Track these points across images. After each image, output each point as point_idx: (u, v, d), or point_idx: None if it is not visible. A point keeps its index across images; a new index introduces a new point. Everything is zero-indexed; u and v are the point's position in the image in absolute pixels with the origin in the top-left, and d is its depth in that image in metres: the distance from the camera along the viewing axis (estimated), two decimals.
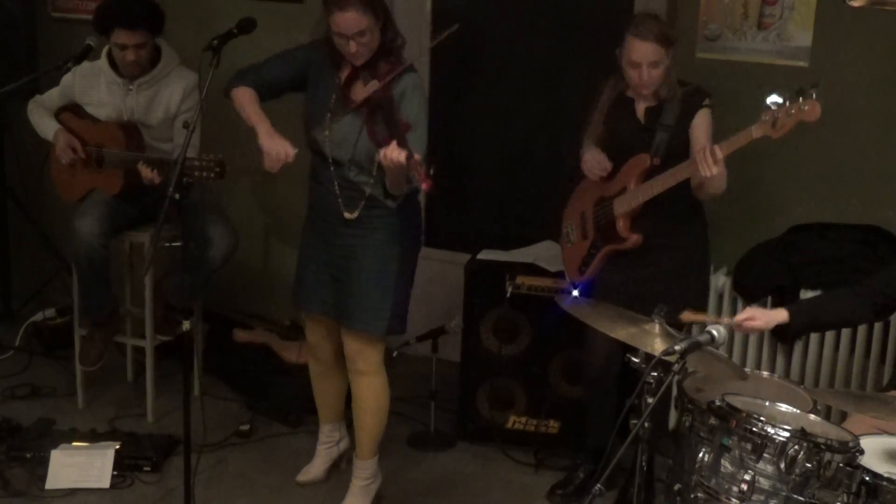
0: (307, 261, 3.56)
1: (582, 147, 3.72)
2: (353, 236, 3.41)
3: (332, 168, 3.36)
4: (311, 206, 3.55)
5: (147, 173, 3.84)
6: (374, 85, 3.25)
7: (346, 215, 3.37)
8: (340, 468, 3.91)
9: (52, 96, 4.21)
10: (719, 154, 3.19)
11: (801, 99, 3.02)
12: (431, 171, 2.99)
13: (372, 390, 3.55)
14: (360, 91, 3.30)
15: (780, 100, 3.06)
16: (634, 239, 3.55)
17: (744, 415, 2.60)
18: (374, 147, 3.23)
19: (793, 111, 3.03)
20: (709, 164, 3.19)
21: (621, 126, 3.58)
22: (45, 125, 4.17)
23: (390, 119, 3.22)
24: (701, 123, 3.46)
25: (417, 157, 3.03)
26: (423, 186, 3.00)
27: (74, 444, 3.90)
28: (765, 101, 3.08)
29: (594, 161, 3.63)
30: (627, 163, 3.55)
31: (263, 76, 3.42)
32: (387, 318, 3.44)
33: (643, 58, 3.40)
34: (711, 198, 3.46)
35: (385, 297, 3.42)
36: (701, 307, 3.71)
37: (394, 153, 3.03)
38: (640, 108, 3.55)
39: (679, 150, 3.45)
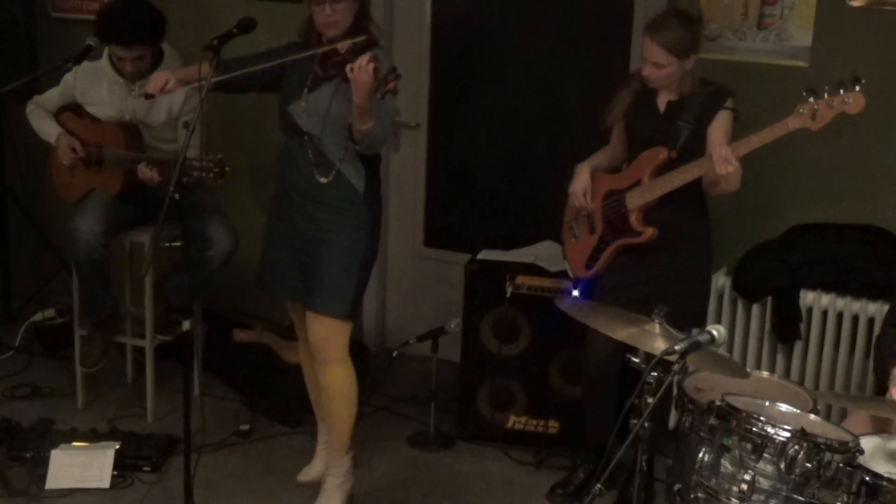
0: (272, 247, 3.59)
1: (578, 165, 3.73)
2: (320, 218, 3.44)
3: (305, 138, 3.42)
4: (276, 193, 3.58)
5: (146, 172, 3.84)
6: (346, 44, 3.32)
7: (321, 179, 3.40)
8: None
9: (52, 96, 4.21)
10: (729, 154, 3.21)
11: (842, 91, 3.00)
12: (395, 75, 3.09)
13: (339, 379, 3.55)
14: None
15: (818, 91, 3.04)
16: (650, 232, 3.51)
17: (744, 415, 2.60)
18: (348, 113, 3.28)
19: (834, 103, 3.01)
20: (727, 161, 3.21)
21: (641, 117, 3.56)
22: (46, 128, 4.17)
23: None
24: (719, 126, 3.43)
25: (384, 70, 3.11)
26: (390, 87, 3.08)
27: (74, 444, 3.90)
28: (803, 93, 3.07)
29: (580, 191, 3.67)
30: (641, 155, 3.53)
31: (240, 64, 3.44)
32: (349, 301, 3.47)
33: (648, 56, 3.42)
34: (722, 194, 3.45)
35: (349, 280, 3.46)
36: (702, 311, 3.71)
37: (363, 62, 3.11)
38: (662, 100, 3.54)
39: (697, 146, 3.43)
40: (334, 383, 3.56)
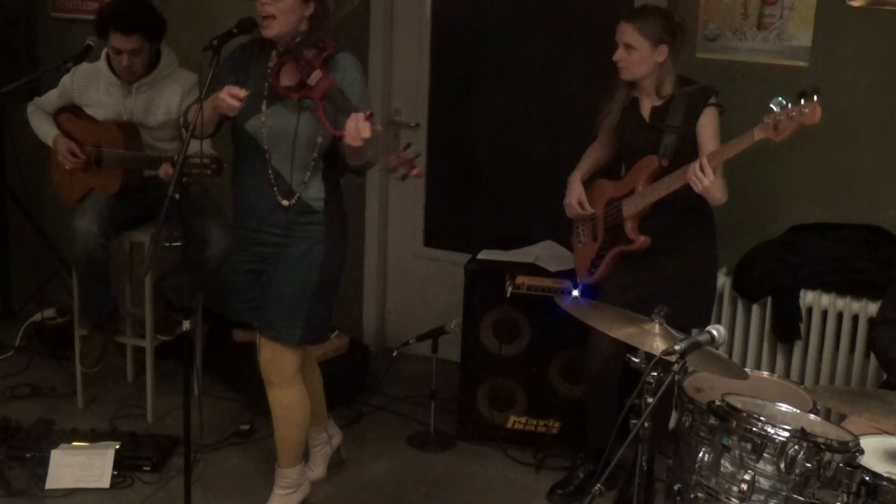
0: (232, 271, 3.53)
1: (571, 176, 3.76)
2: (278, 243, 3.33)
3: (267, 156, 3.29)
4: (237, 214, 3.47)
5: (170, 171, 3.82)
6: (317, 75, 3.16)
7: (283, 202, 3.28)
8: (342, 457, 3.93)
9: (51, 98, 4.21)
10: (706, 167, 3.22)
11: (802, 101, 3.02)
12: (415, 156, 2.99)
13: (282, 403, 3.49)
14: (288, 77, 3.23)
15: (783, 102, 3.06)
16: (642, 241, 3.54)
17: (744, 415, 2.60)
18: (316, 132, 3.20)
19: (794, 114, 3.03)
20: (699, 178, 3.22)
21: (628, 126, 3.59)
22: (45, 130, 4.18)
23: (341, 104, 3.14)
24: (707, 124, 3.45)
25: (380, 128, 3.02)
26: (413, 173, 3.00)
27: (74, 444, 3.90)
28: (770, 104, 3.08)
29: (574, 202, 3.72)
30: (636, 164, 3.55)
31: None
32: (300, 328, 3.35)
33: (620, 37, 3.48)
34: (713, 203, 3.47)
35: (300, 307, 3.33)
36: (706, 313, 3.71)
37: (361, 129, 2.97)
38: (646, 107, 3.56)
39: (687, 150, 3.44)
40: (278, 407, 3.51)
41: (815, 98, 3.01)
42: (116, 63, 4.01)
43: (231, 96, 3.12)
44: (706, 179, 3.23)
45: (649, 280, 3.56)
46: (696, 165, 3.25)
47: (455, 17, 4.74)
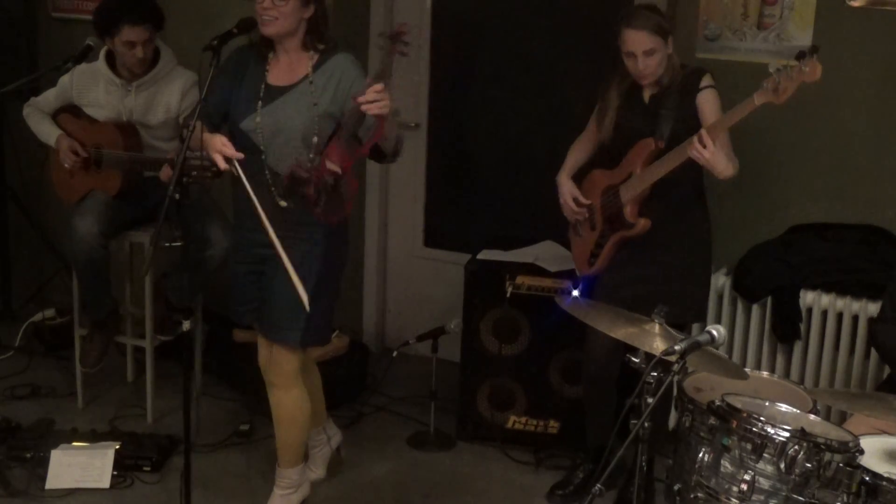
0: (232, 273, 3.52)
1: (558, 176, 3.76)
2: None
3: (262, 157, 3.27)
4: (236, 215, 3.47)
5: (170, 174, 3.82)
6: (326, 160, 3.12)
7: (282, 203, 3.25)
8: (341, 458, 3.93)
9: (48, 98, 4.21)
10: (706, 138, 3.22)
11: (801, 61, 3.03)
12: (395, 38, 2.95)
13: (283, 404, 3.49)
14: (284, 76, 3.25)
15: (780, 66, 3.07)
16: (642, 224, 3.52)
17: (744, 415, 2.60)
18: (312, 131, 3.19)
19: (793, 74, 3.04)
20: (699, 151, 3.22)
21: (628, 113, 3.58)
22: (46, 130, 4.16)
23: (356, 122, 3.11)
24: (707, 100, 3.44)
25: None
26: (401, 42, 2.96)
27: (74, 444, 3.90)
28: (769, 68, 3.09)
29: (569, 199, 3.71)
30: (633, 148, 3.54)
31: (210, 103, 3.26)
32: (300, 330, 3.34)
33: (637, 47, 3.42)
34: (722, 180, 3.42)
35: (300, 309, 3.28)
36: (702, 308, 3.71)
37: (371, 97, 2.94)
38: (646, 95, 3.56)
39: (684, 133, 3.41)
40: (279, 408, 3.51)
41: (815, 56, 3.01)
42: (129, 57, 3.98)
43: (222, 153, 3.11)
44: (707, 151, 3.23)
45: (646, 276, 3.55)
46: (696, 138, 3.24)
47: (455, 16, 4.75)
